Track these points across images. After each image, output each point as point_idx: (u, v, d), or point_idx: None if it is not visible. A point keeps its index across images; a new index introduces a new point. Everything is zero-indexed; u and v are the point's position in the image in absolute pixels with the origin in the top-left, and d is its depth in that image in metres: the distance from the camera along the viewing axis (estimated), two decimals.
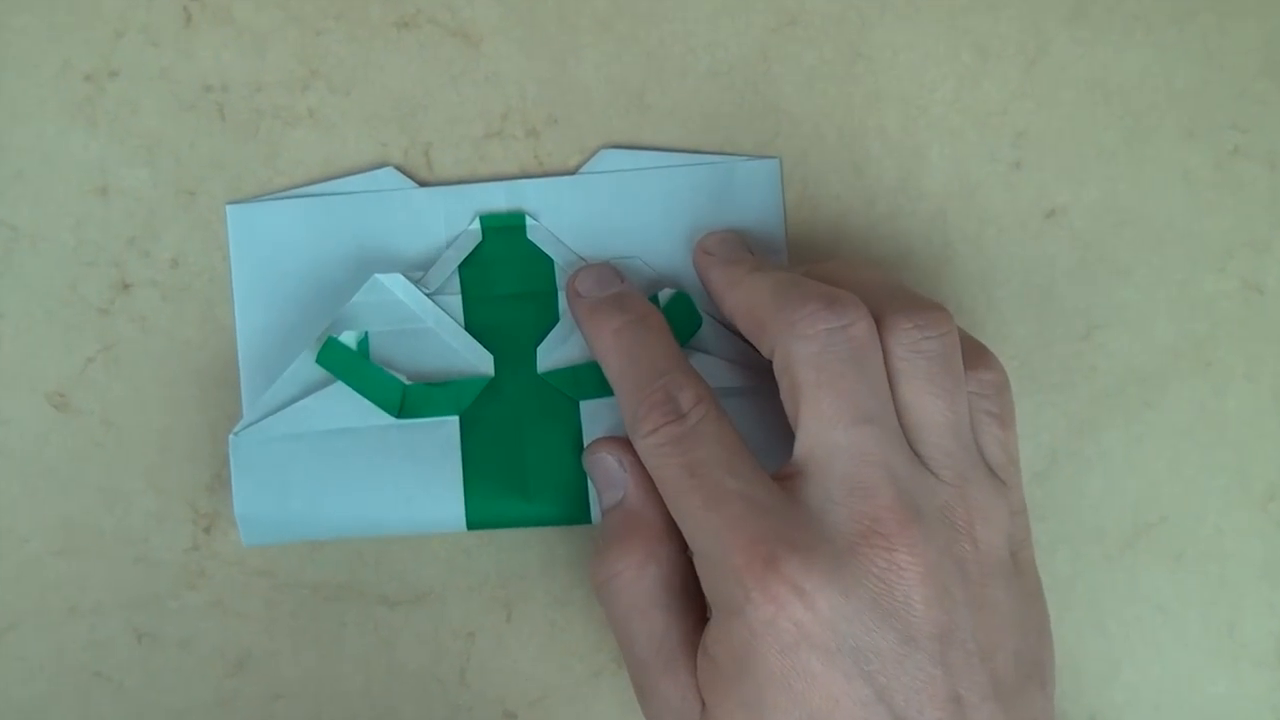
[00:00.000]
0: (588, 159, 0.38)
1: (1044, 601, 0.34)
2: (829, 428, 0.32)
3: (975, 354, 0.34)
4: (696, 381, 0.33)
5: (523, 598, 0.38)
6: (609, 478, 0.35)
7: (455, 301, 0.38)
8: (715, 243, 0.37)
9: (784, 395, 0.33)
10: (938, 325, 0.33)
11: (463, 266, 0.38)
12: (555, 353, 0.37)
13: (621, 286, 0.36)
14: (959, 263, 0.39)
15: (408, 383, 0.37)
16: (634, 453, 0.34)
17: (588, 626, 0.39)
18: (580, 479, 0.37)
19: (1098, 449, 0.39)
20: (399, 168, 0.38)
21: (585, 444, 0.36)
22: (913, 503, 0.31)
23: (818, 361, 0.32)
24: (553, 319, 0.38)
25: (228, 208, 0.38)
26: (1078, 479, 0.39)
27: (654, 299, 0.37)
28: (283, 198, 0.38)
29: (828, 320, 0.32)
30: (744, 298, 0.35)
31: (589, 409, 0.37)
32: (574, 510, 0.37)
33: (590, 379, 0.37)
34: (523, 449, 0.37)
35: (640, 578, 0.33)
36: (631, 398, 0.34)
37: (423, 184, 0.38)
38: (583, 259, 0.38)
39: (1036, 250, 0.39)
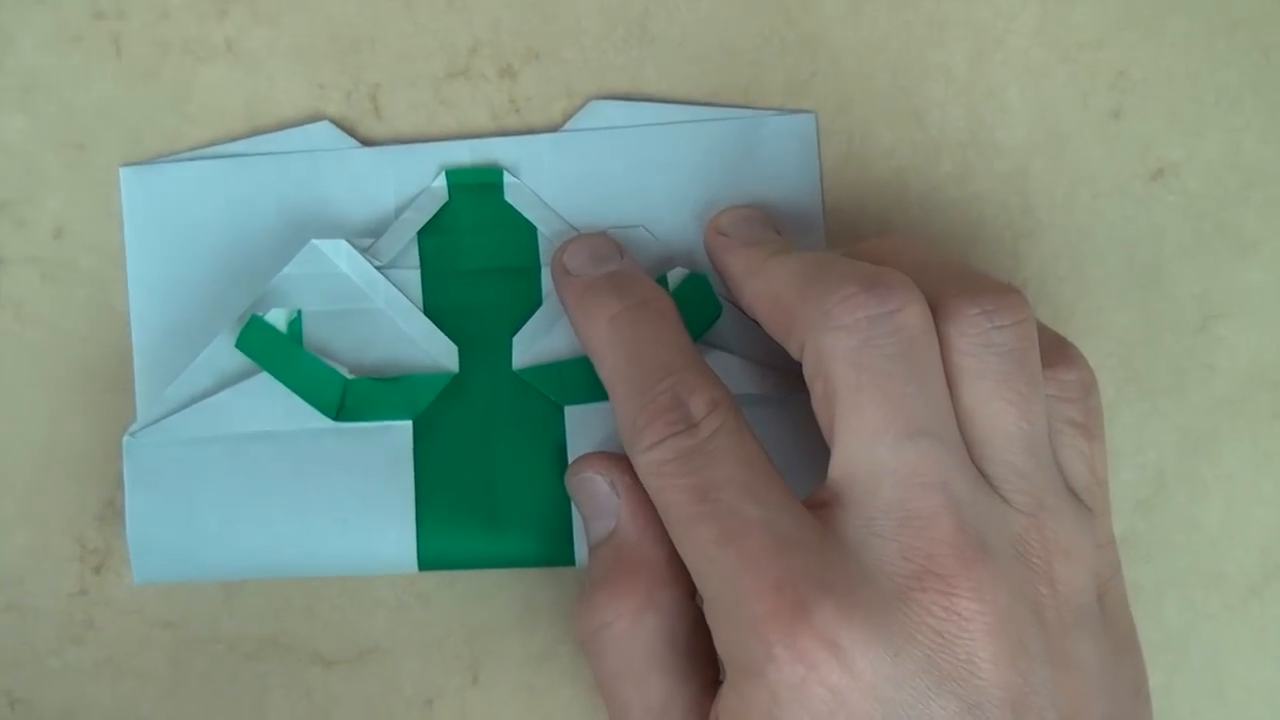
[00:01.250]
0: (575, 110, 0.39)
1: (1140, 655, 0.34)
2: (872, 442, 0.32)
3: (1054, 348, 0.34)
4: (712, 384, 0.33)
5: (492, 656, 0.39)
6: (598, 504, 0.35)
7: (413, 277, 0.38)
8: (731, 221, 0.37)
9: (816, 403, 0.33)
10: (1011, 311, 0.33)
11: (422, 234, 0.38)
12: (536, 344, 0.38)
13: (621, 263, 0.37)
14: (1043, 236, 0.39)
15: (349, 376, 0.37)
16: (631, 473, 0.34)
17: (574, 691, 0.39)
18: (563, 506, 0.37)
19: (1217, 471, 0.40)
20: (339, 119, 0.38)
21: (570, 461, 0.37)
22: (978, 536, 0.31)
23: (857, 358, 0.32)
24: (534, 302, 0.38)
25: (121, 171, 0.38)
26: (1192, 508, 0.40)
27: (662, 280, 0.37)
28: (190, 159, 0.38)
29: (868, 305, 0.32)
30: (766, 286, 0.35)
31: (575, 416, 0.37)
32: (555, 546, 0.37)
33: (578, 379, 0.37)
34: (492, 466, 0.37)
35: (636, 631, 0.34)
36: (630, 402, 0.34)
37: (367, 142, 0.38)
38: (573, 228, 0.38)
39: (1141, 220, 0.40)
